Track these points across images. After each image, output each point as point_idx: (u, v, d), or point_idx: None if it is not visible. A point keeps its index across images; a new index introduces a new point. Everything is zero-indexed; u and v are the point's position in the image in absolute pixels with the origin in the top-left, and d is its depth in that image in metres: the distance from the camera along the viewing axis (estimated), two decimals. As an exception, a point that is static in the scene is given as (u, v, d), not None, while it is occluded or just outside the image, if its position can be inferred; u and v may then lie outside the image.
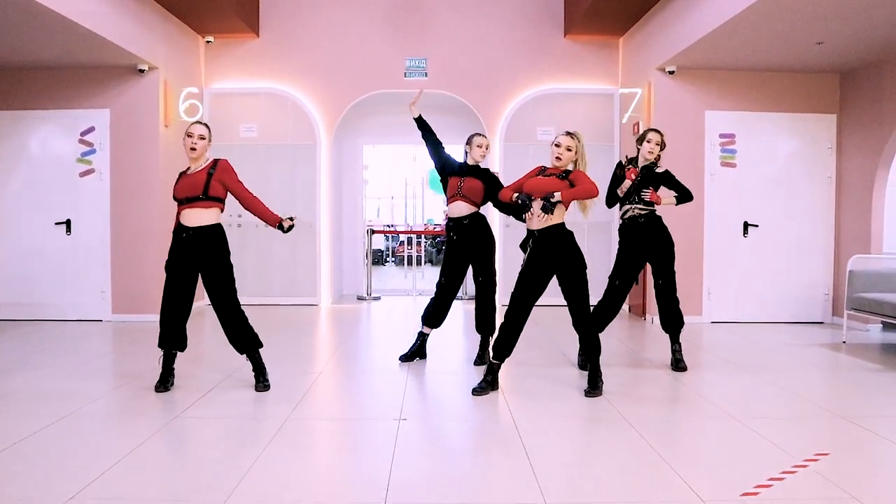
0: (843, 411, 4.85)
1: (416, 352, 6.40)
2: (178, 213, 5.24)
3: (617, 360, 6.38)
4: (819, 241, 8.79)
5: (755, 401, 5.14)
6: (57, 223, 8.76)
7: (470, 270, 6.27)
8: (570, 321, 5.28)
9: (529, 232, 5.20)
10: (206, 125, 5.40)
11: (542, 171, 5.34)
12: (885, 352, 7.07)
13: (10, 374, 5.85)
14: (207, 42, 10.14)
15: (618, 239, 6.23)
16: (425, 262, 17.86)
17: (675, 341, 6.13)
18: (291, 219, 5.35)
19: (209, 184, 5.17)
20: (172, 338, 5.30)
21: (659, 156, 6.12)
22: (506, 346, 5.20)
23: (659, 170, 6.11)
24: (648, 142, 6.08)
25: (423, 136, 6.41)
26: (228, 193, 5.32)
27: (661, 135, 6.15)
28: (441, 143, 6.36)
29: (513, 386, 5.48)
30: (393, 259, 19.41)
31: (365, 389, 5.62)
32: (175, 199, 5.26)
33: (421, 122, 6.37)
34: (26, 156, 8.81)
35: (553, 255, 5.10)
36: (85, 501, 3.24)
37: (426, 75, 10.16)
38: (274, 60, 10.24)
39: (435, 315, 6.28)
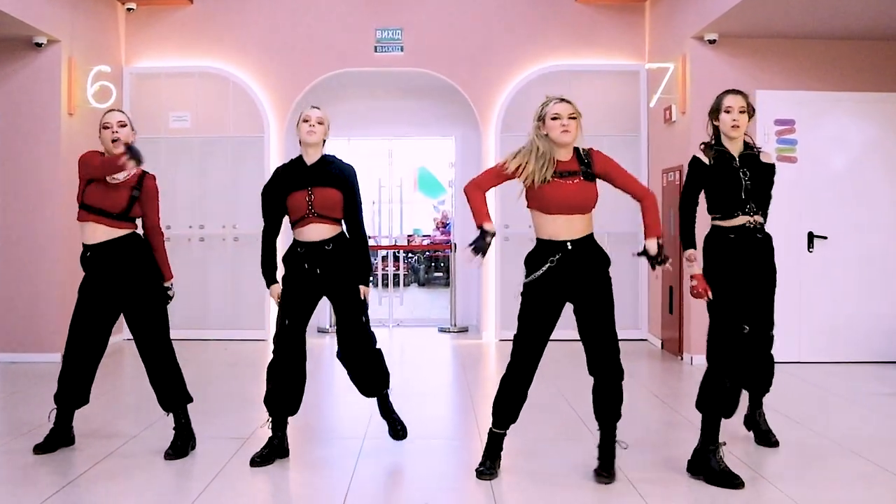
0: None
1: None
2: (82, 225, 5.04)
3: (646, 419, 5.77)
4: (905, 258, 8.39)
5: (826, 485, 4.34)
6: (-74, 237, 8.40)
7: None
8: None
9: (551, 246, 4.43)
10: (123, 112, 5.29)
11: (541, 163, 4.43)
12: None
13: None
14: (129, 10, 9.85)
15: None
16: (409, 283, 17.31)
17: (759, 405, 5.34)
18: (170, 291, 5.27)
19: (132, 206, 5.05)
20: (73, 391, 5.05)
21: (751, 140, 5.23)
22: (512, 409, 4.52)
23: (765, 158, 5.21)
24: (727, 112, 5.16)
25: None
26: None
27: (746, 97, 5.23)
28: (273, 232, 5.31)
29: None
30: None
31: (307, 458, 4.92)
32: (83, 205, 5.04)
33: None
34: None
35: (585, 276, 4.39)
36: None
37: (402, 49, 9.97)
38: (212, 33, 10.04)
39: None
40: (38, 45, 8.26)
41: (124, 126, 5.05)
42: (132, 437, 5.25)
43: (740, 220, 4.79)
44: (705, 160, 4.86)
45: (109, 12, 9.49)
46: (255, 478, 4.70)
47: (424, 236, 16.50)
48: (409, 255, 17.58)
